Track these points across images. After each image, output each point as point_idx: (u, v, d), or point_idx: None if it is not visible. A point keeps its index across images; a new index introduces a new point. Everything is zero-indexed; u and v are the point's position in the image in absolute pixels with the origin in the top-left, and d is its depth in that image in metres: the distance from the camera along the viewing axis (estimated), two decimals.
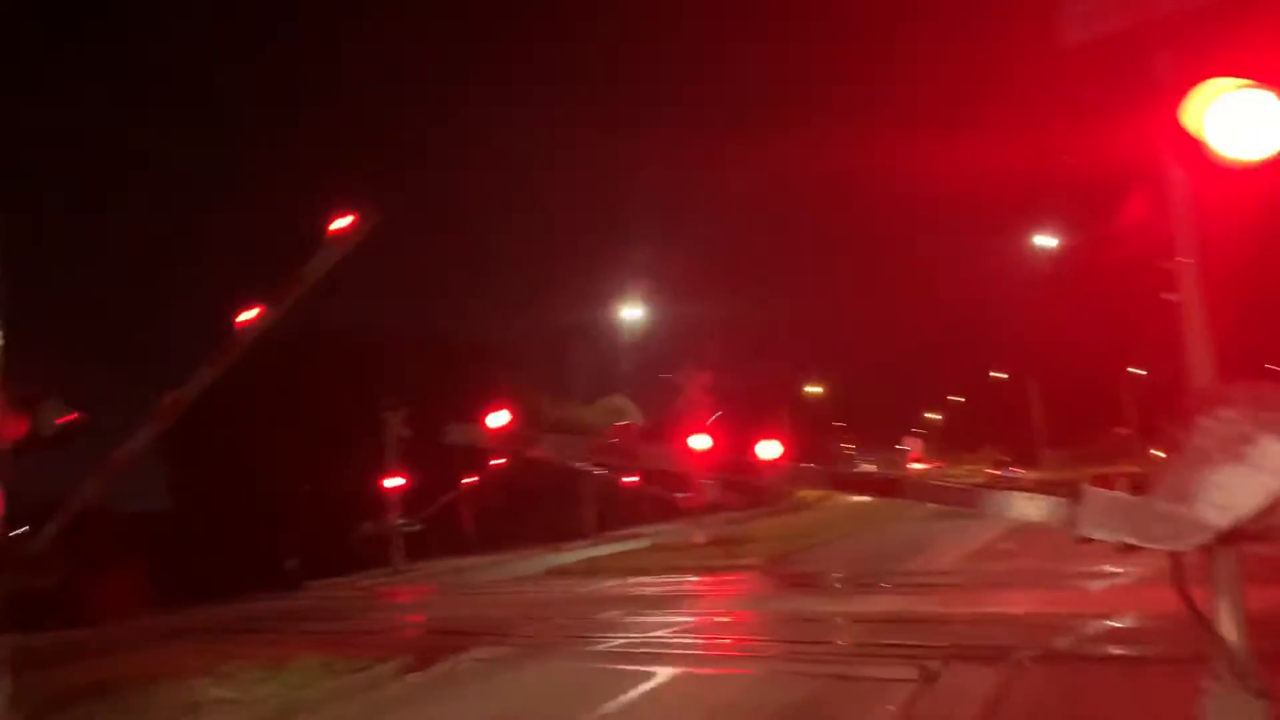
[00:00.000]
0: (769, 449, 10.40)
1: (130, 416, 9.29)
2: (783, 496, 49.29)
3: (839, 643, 11.11)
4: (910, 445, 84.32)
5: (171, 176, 75.07)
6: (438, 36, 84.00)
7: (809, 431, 75.44)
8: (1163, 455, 5.04)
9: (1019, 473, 61.48)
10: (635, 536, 35.27)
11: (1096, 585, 13.18)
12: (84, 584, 19.49)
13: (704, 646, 12.17)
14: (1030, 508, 4.61)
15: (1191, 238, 4.51)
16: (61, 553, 9.05)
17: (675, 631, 13.19)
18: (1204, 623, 4.60)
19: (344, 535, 32.12)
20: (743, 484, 29.39)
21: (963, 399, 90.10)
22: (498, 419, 6.68)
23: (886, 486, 6.73)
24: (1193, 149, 4.27)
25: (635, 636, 12.78)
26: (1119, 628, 10.20)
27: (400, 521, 31.44)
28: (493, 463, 32.00)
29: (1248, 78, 4.04)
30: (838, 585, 16.59)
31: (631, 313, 38.27)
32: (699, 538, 27.51)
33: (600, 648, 12.22)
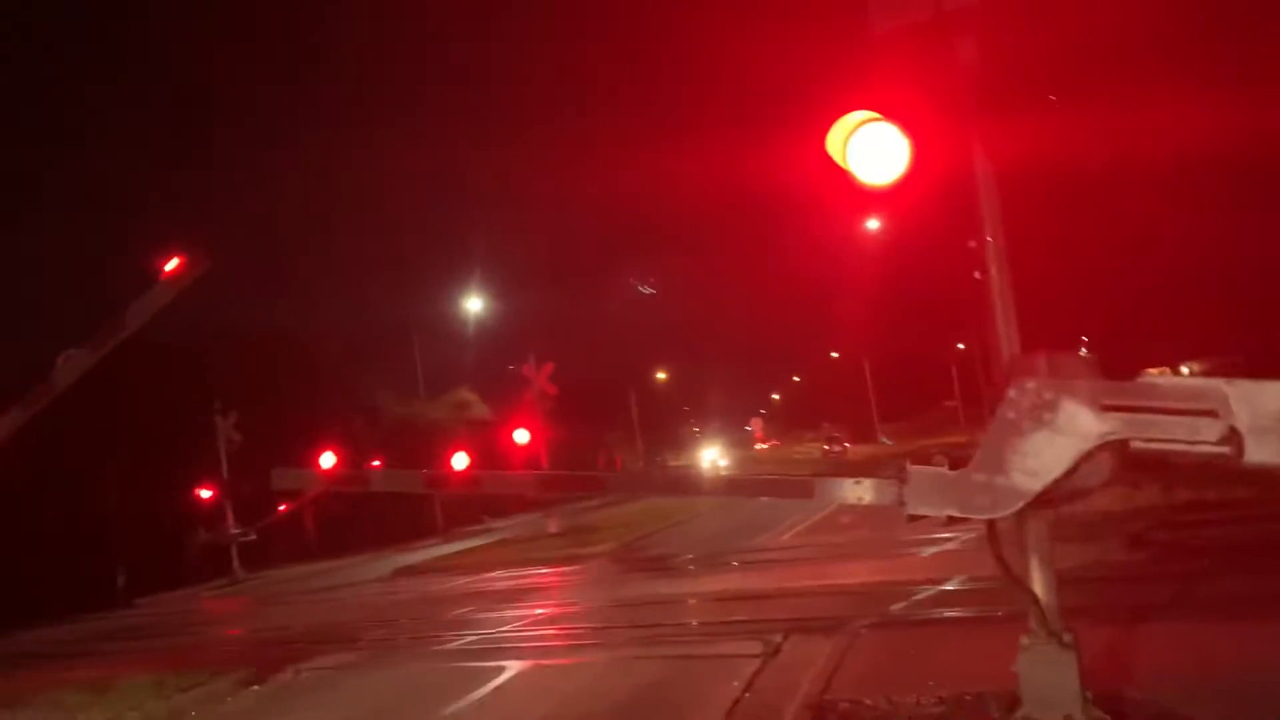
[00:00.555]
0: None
1: None
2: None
3: (687, 623, 11.28)
4: (755, 426, 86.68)
5: None
6: (269, 36, 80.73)
7: (658, 415, 76.57)
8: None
9: (846, 447, 64.46)
10: (487, 531, 34.92)
11: (928, 551, 13.82)
12: None
13: (555, 637, 12.14)
14: (861, 492, 4.76)
15: (995, 217, 4.75)
16: None
17: (526, 624, 13.11)
18: (1017, 583, 4.86)
19: (178, 546, 30.60)
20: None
21: (799, 379, 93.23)
22: (326, 460, 6.57)
23: (720, 486, 6.86)
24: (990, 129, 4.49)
25: (486, 633, 12.63)
26: (949, 590, 10.71)
27: (236, 531, 30.16)
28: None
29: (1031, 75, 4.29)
30: (691, 567, 16.85)
31: (475, 305, 37.89)
32: (551, 528, 27.44)
33: (450, 646, 12.02)
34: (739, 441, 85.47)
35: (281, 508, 30.43)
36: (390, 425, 42.01)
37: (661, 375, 79.26)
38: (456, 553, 27.62)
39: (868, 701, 6.57)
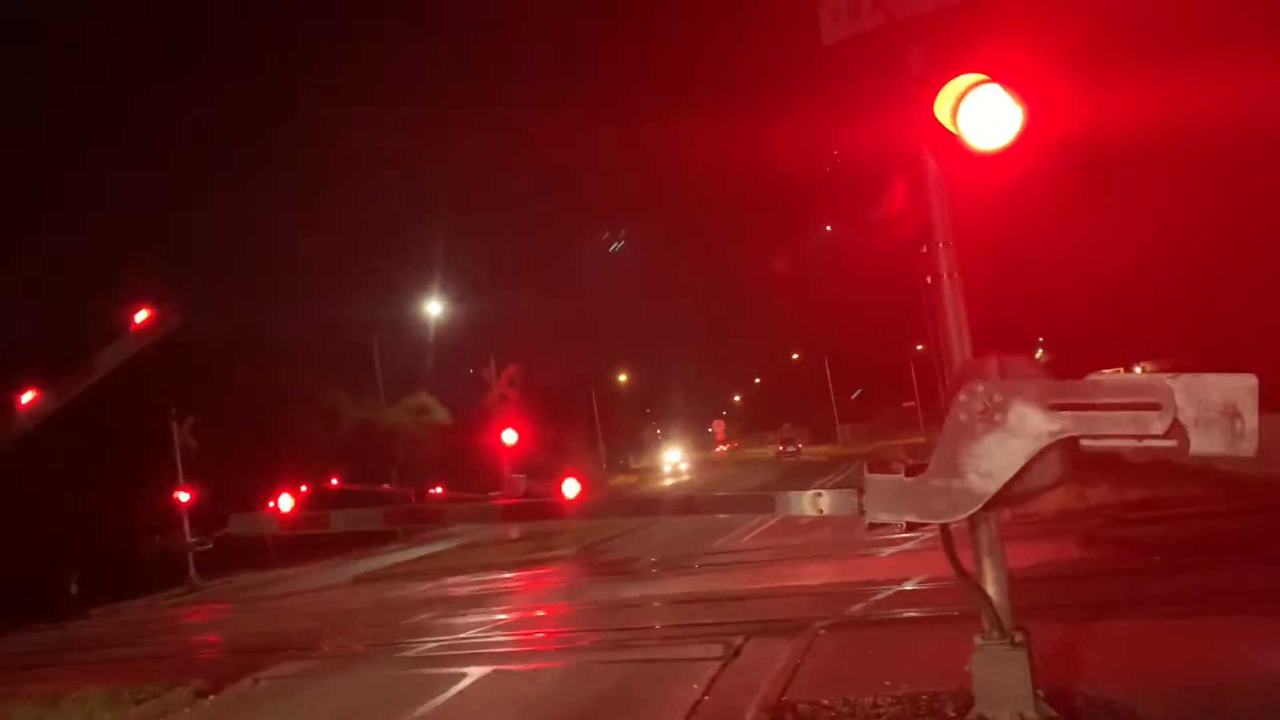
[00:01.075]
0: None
1: None
2: (597, 485, 49.66)
3: (649, 627, 11.30)
4: (716, 428, 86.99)
5: None
6: (227, 30, 79.72)
7: (620, 418, 76.57)
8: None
9: (799, 448, 65.23)
10: (449, 536, 34.70)
11: (887, 552, 13.95)
12: None
13: (517, 643, 12.10)
14: (821, 504, 4.81)
15: (946, 222, 4.82)
16: None
17: (488, 630, 13.05)
18: (970, 582, 4.94)
19: (133, 554, 30.06)
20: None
21: (760, 381, 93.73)
22: (284, 502, 6.55)
23: (680, 506, 6.89)
24: (946, 140, 4.56)
25: (447, 639, 12.56)
26: (907, 590, 10.82)
27: (192, 540, 29.72)
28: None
29: (986, 73, 4.35)
30: (653, 570, 16.87)
31: (434, 309, 37.72)
32: (513, 533, 27.31)
33: (410, 653, 11.94)
34: (701, 443, 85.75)
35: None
36: (349, 430, 41.64)
37: (623, 378, 79.28)
38: (419, 558, 27.42)
39: (825, 702, 6.63)
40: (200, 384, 32.61)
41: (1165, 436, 3.95)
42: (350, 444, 40.26)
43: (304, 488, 27.38)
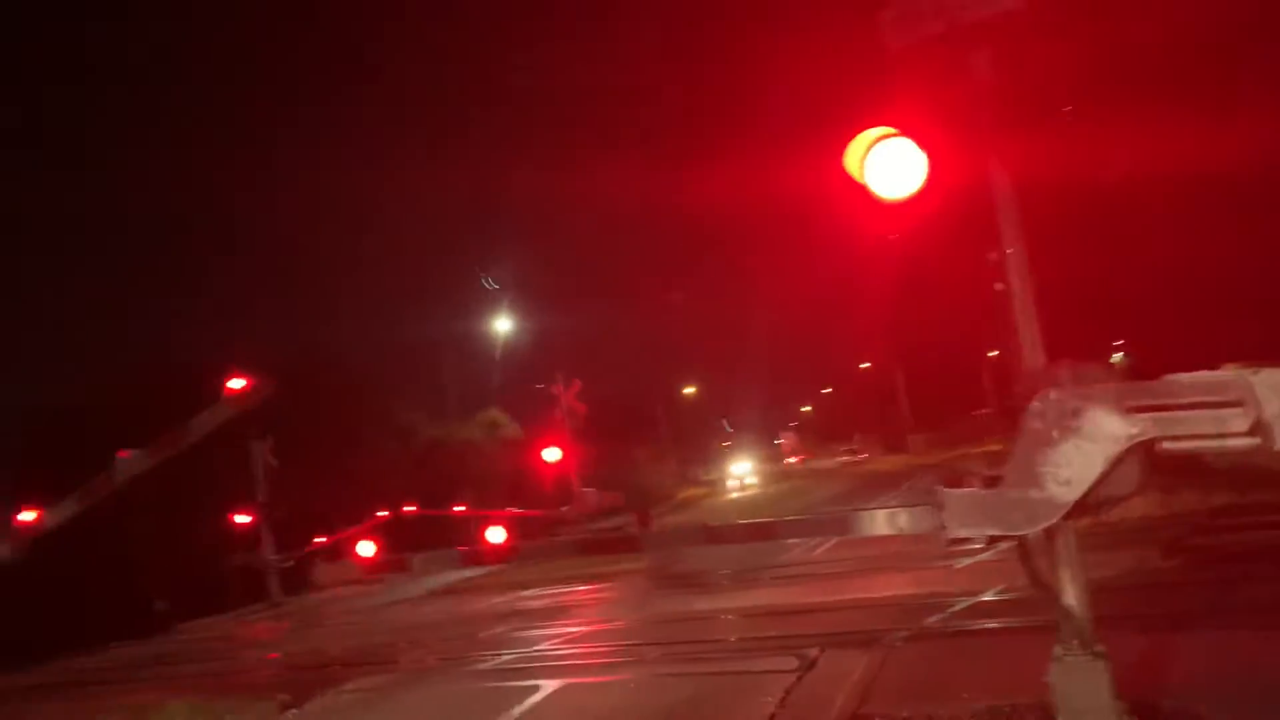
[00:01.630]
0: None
1: None
2: (665, 497, 49.66)
3: (721, 639, 11.25)
4: (785, 439, 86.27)
5: None
6: (294, 57, 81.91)
7: (689, 430, 76.44)
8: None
9: (865, 457, 65.29)
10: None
11: (963, 563, 13.69)
12: None
13: (589, 655, 12.15)
14: (900, 523, 4.77)
15: (1014, 229, 4.76)
16: None
17: (561, 642, 13.13)
18: (1049, 593, 4.85)
19: (216, 571, 30.79)
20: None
21: (830, 390, 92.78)
22: (365, 549, 6.78)
23: (756, 532, 6.87)
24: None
25: (520, 651, 12.67)
26: (984, 602, 10.63)
27: (274, 558, 30.37)
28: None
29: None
30: (724, 583, 16.80)
31: (503, 325, 38.17)
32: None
33: (483, 666, 12.06)
34: (770, 455, 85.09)
35: (319, 540, 30.55)
36: (423, 446, 42.23)
37: (690, 390, 79.10)
38: (489, 572, 27.63)
39: (903, 715, 6.55)
40: (277, 404, 33.37)
41: (1248, 435, 3.82)
42: (424, 460, 40.81)
43: (383, 512, 27.90)
